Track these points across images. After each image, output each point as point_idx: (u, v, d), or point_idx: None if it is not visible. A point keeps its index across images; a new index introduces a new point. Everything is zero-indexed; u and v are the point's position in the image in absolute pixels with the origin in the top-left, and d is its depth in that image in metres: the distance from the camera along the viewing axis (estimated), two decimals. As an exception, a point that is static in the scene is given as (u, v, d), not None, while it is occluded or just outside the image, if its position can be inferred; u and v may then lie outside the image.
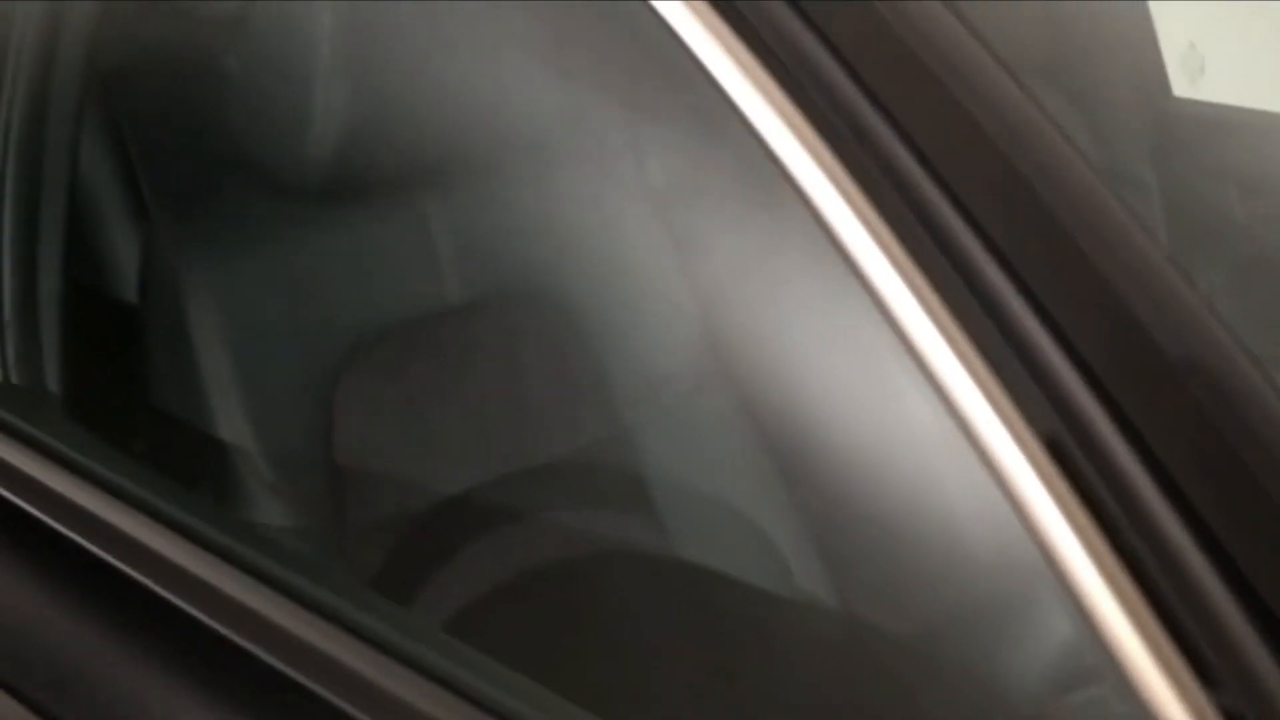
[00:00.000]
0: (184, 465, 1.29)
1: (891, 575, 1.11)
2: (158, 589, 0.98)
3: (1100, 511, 0.70)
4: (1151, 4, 2.04)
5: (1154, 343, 0.72)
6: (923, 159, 0.76)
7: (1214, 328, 0.73)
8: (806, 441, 1.12)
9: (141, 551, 1.00)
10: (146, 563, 1.00)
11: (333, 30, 1.26)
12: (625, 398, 1.34)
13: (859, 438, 1.05)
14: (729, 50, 0.82)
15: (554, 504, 1.33)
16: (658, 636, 1.17)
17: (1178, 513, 0.69)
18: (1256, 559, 0.68)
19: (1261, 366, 0.72)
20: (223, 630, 0.94)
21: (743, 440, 1.27)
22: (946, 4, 0.82)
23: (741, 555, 1.27)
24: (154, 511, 1.03)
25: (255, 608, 0.95)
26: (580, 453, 1.36)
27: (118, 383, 1.33)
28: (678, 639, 1.16)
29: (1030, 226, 0.75)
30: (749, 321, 1.19)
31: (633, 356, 1.32)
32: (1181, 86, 2.12)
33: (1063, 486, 0.71)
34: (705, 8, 0.83)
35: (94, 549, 1.02)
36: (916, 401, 0.77)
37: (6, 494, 1.09)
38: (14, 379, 1.22)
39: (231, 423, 1.28)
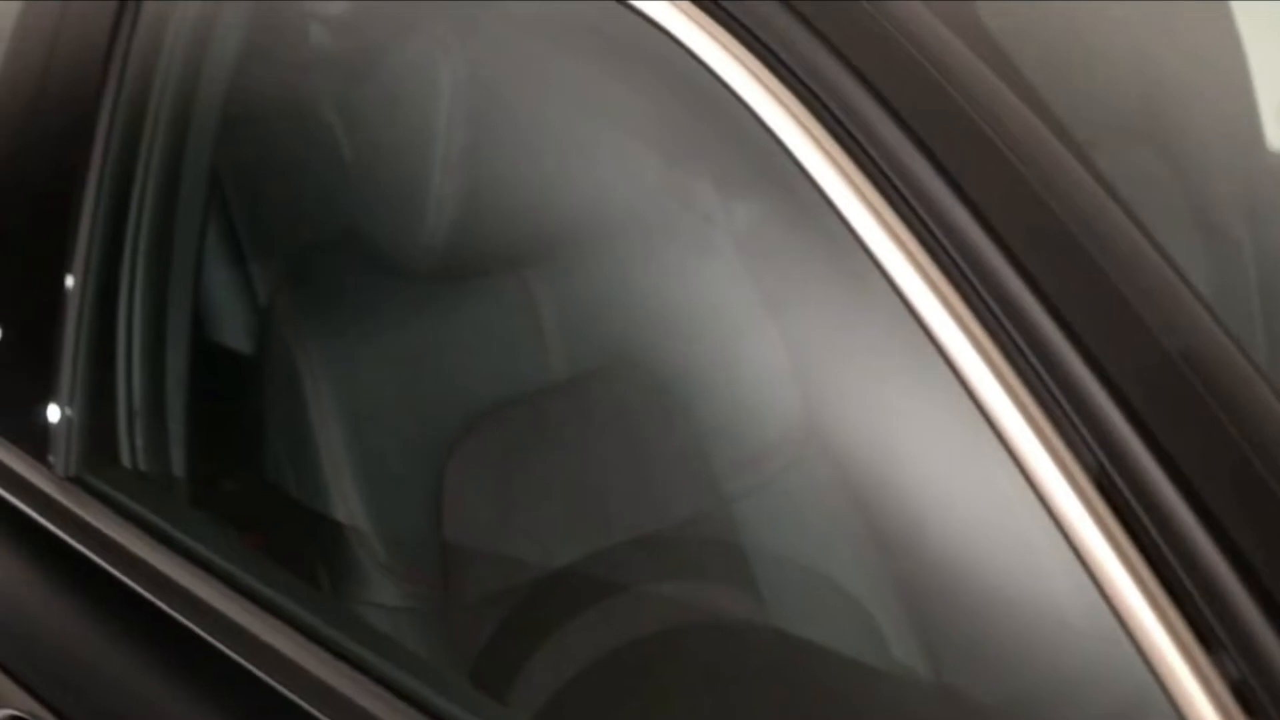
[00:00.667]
0: (301, 547, 1.34)
1: (985, 646, 1.13)
2: (275, 684, 1.03)
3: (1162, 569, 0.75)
4: (1249, 56, 2.05)
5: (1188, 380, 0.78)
6: (993, 234, 0.82)
7: (1243, 364, 0.79)
8: (901, 513, 1.15)
9: (259, 647, 1.05)
10: (262, 657, 1.05)
11: (448, 118, 1.32)
12: (725, 470, 1.38)
13: (951, 509, 1.08)
14: (814, 139, 0.88)
15: (655, 576, 1.37)
16: (756, 707, 1.20)
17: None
18: None
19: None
20: None
21: (840, 511, 1.30)
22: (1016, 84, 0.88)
23: (838, 626, 1.30)
24: (272, 606, 1.09)
25: (366, 706, 1.01)
26: (681, 525, 1.40)
27: (240, 467, 1.38)
28: (776, 710, 1.19)
29: (1082, 285, 0.82)
30: (845, 394, 1.22)
31: (732, 429, 1.36)
32: (1278, 141, 2.12)
33: (1122, 537, 0.77)
34: (792, 99, 0.90)
35: (215, 641, 1.07)
36: (1004, 473, 0.83)
37: (133, 585, 1.15)
38: (141, 466, 1.28)
39: (346, 503, 1.33)
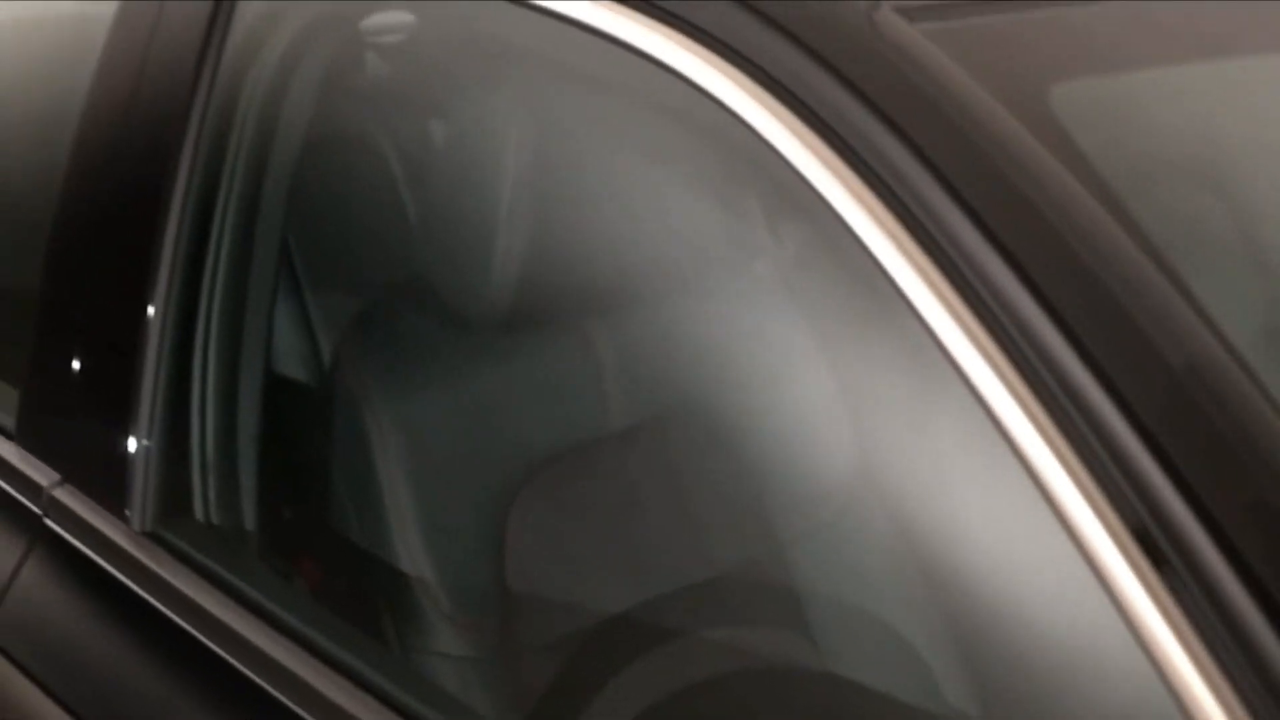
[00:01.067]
0: (366, 597, 1.38)
1: (1036, 691, 1.16)
2: None
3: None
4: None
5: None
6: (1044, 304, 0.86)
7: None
8: (950, 558, 1.18)
9: (327, 705, 1.10)
10: (331, 714, 1.09)
11: (514, 176, 1.36)
12: (778, 514, 1.41)
13: (998, 556, 1.10)
14: (856, 196, 0.92)
15: (710, 621, 1.40)
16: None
17: None
18: None
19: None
20: None
21: (891, 556, 1.33)
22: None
23: (890, 671, 1.32)
24: (339, 663, 1.13)
25: None
26: (735, 569, 1.43)
27: (308, 518, 1.43)
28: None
29: (1126, 344, 0.85)
30: (895, 442, 1.25)
31: (785, 474, 1.39)
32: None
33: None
34: (842, 166, 0.94)
35: (282, 698, 1.12)
36: (1047, 523, 0.87)
37: (207, 642, 1.19)
38: (214, 520, 1.33)
39: (410, 552, 1.38)
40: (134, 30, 1.39)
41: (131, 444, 1.32)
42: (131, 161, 1.37)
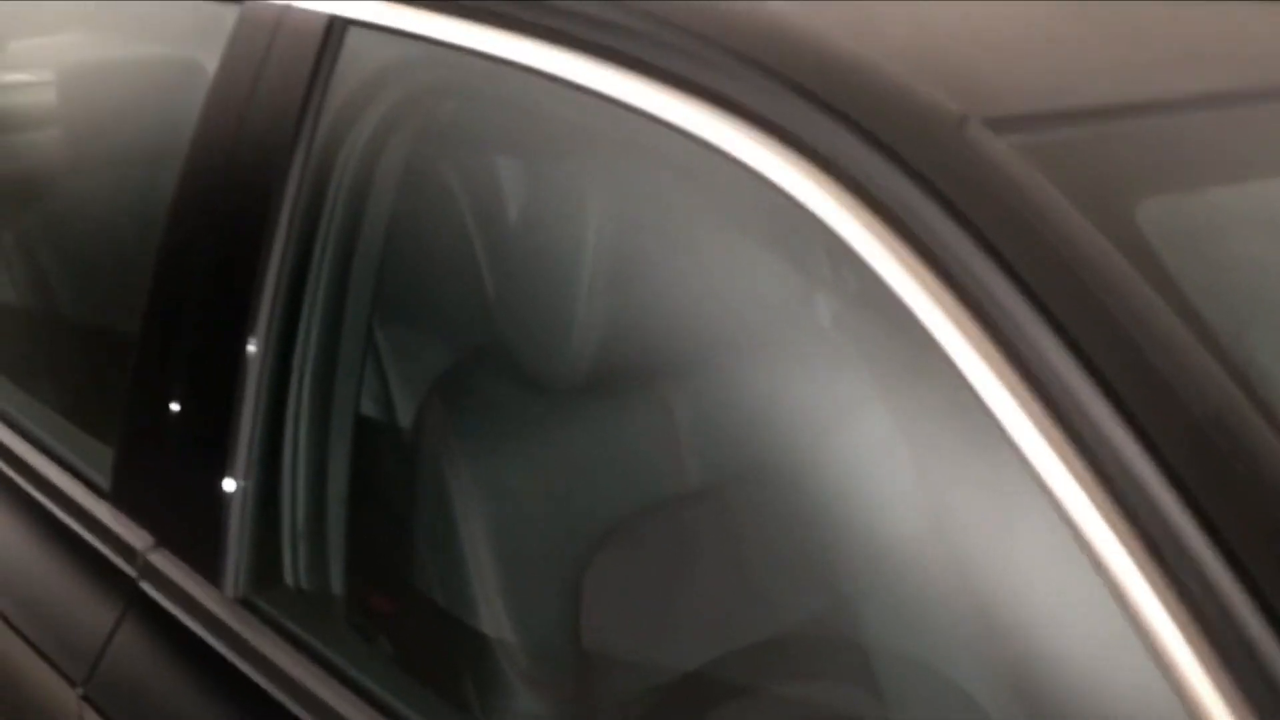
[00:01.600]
0: (447, 658, 1.43)
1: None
2: None
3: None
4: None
5: None
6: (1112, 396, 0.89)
7: None
8: (1016, 617, 1.21)
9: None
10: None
11: (595, 247, 1.40)
12: (848, 572, 1.45)
13: (1061, 618, 1.13)
14: (927, 289, 0.96)
15: (782, 676, 1.44)
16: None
17: None
18: None
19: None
20: None
21: (959, 612, 1.36)
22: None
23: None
24: None
25: None
26: (806, 625, 1.47)
27: (393, 582, 1.47)
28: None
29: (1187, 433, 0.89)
30: (962, 503, 1.28)
31: (856, 532, 1.42)
32: None
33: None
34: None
35: None
36: (1112, 594, 0.90)
37: (292, 707, 1.24)
38: (303, 586, 1.37)
39: (491, 614, 1.42)
40: (236, 84, 1.43)
41: (225, 509, 1.36)
42: (230, 220, 1.41)
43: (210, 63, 1.57)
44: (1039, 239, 0.95)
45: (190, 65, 1.86)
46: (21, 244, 1.97)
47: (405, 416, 1.54)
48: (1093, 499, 0.90)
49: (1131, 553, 0.88)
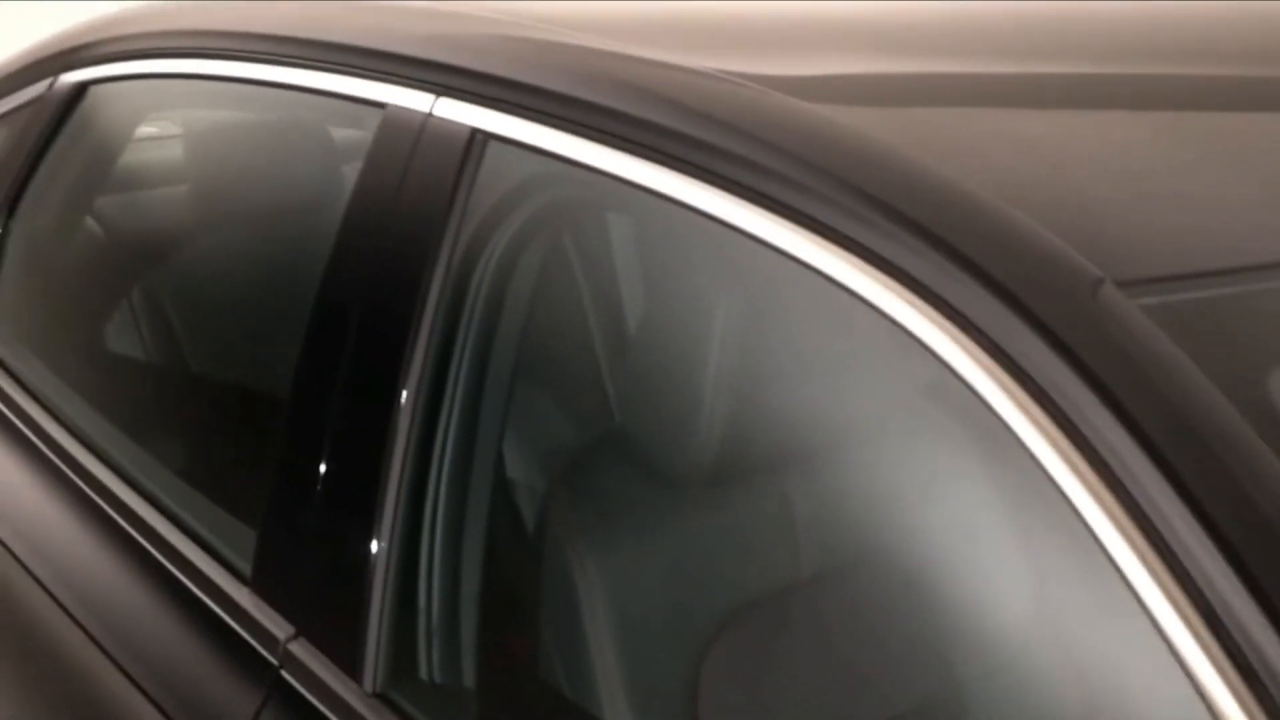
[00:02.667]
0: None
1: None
2: None
3: None
4: None
5: None
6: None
7: None
8: (1119, 708, 1.24)
9: None
10: None
11: (721, 346, 1.45)
12: (956, 657, 1.48)
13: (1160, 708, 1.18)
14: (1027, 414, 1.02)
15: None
16: None
17: None
18: None
19: None
20: None
21: (1063, 698, 1.40)
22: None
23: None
24: None
25: None
26: (915, 710, 1.51)
27: (521, 673, 1.52)
28: None
29: None
30: (1065, 591, 1.32)
31: (966, 617, 1.46)
32: None
33: None
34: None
35: None
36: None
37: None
38: (437, 679, 1.42)
39: (615, 705, 1.47)
40: (382, 184, 1.49)
41: (364, 602, 1.41)
42: (374, 319, 1.47)
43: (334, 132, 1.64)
44: (1163, 400, 0.99)
45: (318, 132, 1.92)
46: (152, 305, 2.03)
47: (533, 510, 1.58)
48: (1198, 640, 0.94)
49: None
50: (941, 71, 1.55)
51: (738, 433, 1.50)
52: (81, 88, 2.05)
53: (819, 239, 1.16)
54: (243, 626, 1.51)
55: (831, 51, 1.58)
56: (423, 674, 1.42)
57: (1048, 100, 1.49)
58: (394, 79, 1.53)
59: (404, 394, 1.42)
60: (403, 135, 1.49)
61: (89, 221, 2.16)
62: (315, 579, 1.48)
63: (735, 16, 1.70)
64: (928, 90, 1.50)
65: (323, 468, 1.48)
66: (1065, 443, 1.00)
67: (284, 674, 1.45)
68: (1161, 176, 1.28)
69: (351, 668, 1.41)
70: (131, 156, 2.14)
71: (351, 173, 1.60)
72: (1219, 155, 1.35)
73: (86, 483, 1.83)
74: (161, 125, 2.10)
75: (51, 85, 2.09)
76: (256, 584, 1.53)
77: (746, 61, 1.47)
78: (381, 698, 1.39)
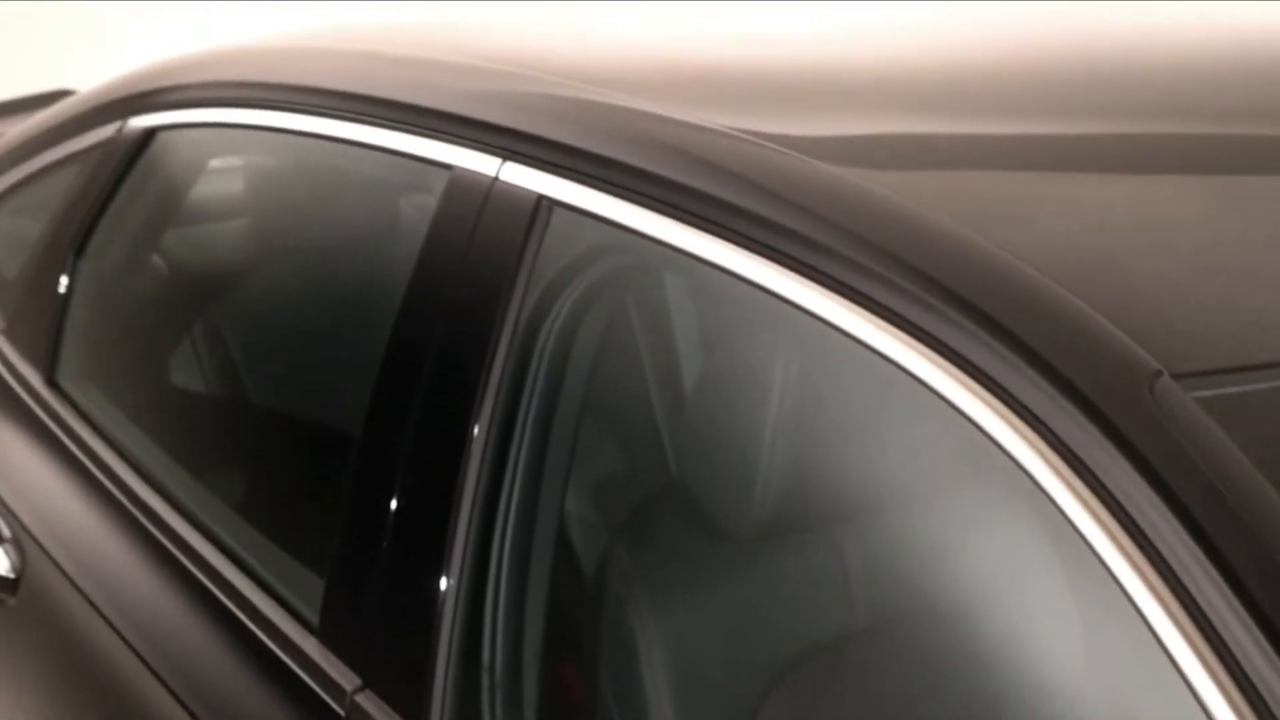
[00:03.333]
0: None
1: None
2: None
3: None
4: None
5: None
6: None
7: None
8: None
9: None
10: None
11: (779, 407, 1.48)
12: (1011, 710, 1.51)
13: None
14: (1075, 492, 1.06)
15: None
16: None
17: None
18: None
19: None
20: None
21: None
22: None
23: None
24: None
25: None
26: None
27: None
28: None
29: None
30: (1114, 648, 1.34)
31: (1018, 671, 1.48)
32: None
33: None
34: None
35: None
36: None
37: None
38: (500, 735, 1.46)
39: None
40: (449, 245, 1.54)
41: (430, 656, 1.44)
42: (440, 379, 1.51)
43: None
44: (1216, 495, 1.01)
45: (382, 187, 1.96)
46: (217, 347, 2.07)
47: (594, 562, 1.62)
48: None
49: None
50: (984, 133, 1.58)
51: (792, 490, 1.53)
52: (150, 133, 2.09)
53: (876, 319, 1.20)
54: (310, 676, 1.55)
55: (870, 110, 1.61)
56: (486, 729, 1.45)
57: (1093, 161, 1.51)
58: (462, 141, 1.57)
59: (472, 448, 1.45)
60: (469, 198, 1.53)
61: (155, 261, 2.20)
62: (382, 631, 1.52)
63: (769, 69, 1.74)
64: (971, 152, 1.52)
65: (390, 521, 1.51)
66: (1122, 534, 1.03)
67: (350, 726, 1.49)
68: (1215, 251, 1.30)
69: None
70: (197, 200, 2.18)
71: (415, 229, 1.63)
72: (1275, 226, 1.37)
73: (153, 523, 1.87)
74: (227, 172, 2.14)
75: (121, 129, 2.14)
76: (324, 634, 1.57)
77: (792, 121, 1.52)
78: (445, 756, 1.43)
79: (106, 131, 2.18)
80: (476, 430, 1.45)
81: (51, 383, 2.14)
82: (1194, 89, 1.71)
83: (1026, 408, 1.10)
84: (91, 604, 1.87)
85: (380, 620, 1.52)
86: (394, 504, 1.52)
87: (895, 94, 1.66)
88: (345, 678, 1.52)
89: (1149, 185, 1.47)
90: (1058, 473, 1.08)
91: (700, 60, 1.82)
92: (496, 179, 1.51)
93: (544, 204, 1.46)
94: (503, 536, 1.47)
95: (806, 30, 2.05)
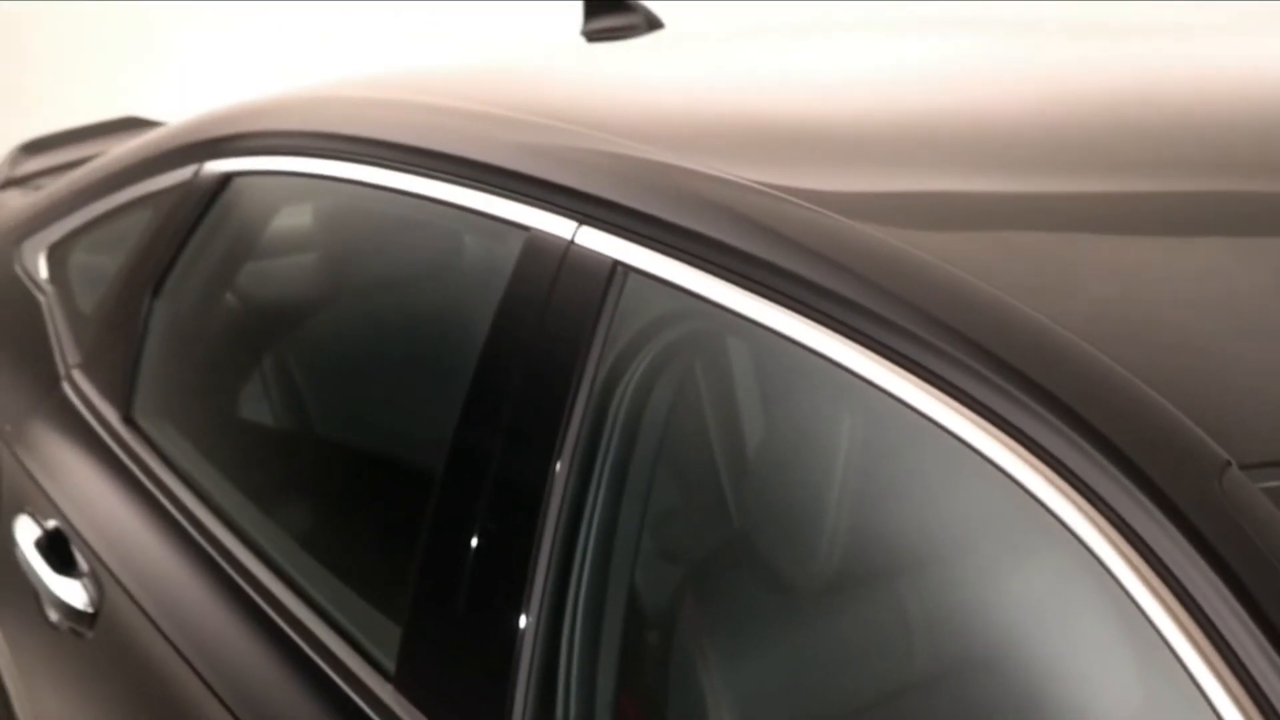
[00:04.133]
0: None
1: None
2: None
3: None
4: None
5: None
6: None
7: None
8: None
9: None
10: None
11: (845, 467, 1.51)
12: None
13: None
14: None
15: None
16: None
17: None
18: None
19: None
20: None
21: None
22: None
23: None
24: None
25: None
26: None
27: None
28: None
29: None
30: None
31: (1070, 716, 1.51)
32: None
33: None
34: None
35: None
36: None
37: None
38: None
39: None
40: (525, 305, 1.58)
41: (507, 706, 1.48)
42: (516, 439, 1.55)
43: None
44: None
45: (458, 243, 2.00)
46: (290, 391, 2.12)
47: (664, 616, 1.65)
48: None
49: None
50: (1038, 191, 1.59)
51: (856, 545, 1.56)
52: (226, 178, 2.14)
53: (946, 397, 1.23)
54: None
55: (918, 165, 1.64)
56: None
57: (1147, 220, 1.53)
58: (539, 204, 1.61)
59: (550, 499, 1.49)
60: (546, 260, 1.57)
61: (231, 303, 2.25)
62: (459, 681, 1.56)
63: (817, 116, 1.78)
64: (1020, 211, 1.55)
65: (468, 570, 1.56)
66: (1191, 624, 1.06)
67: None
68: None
69: None
70: (272, 246, 2.23)
71: (490, 284, 1.67)
72: None
73: (228, 562, 1.92)
74: (300, 219, 2.19)
75: (197, 173, 2.19)
76: (400, 681, 1.61)
77: (844, 176, 1.57)
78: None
79: (183, 174, 2.23)
80: (555, 483, 1.49)
81: (128, 419, 2.19)
82: (1256, 141, 1.70)
83: (1099, 496, 1.13)
84: (168, 640, 1.92)
85: (457, 670, 1.56)
86: (472, 553, 1.56)
87: (940, 146, 1.69)
88: None
89: (1209, 249, 1.48)
90: (1127, 559, 1.11)
91: (746, 107, 1.86)
92: (573, 243, 1.55)
93: (619, 269, 1.50)
94: (578, 588, 1.51)
95: (854, 68, 2.08)
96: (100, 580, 2.05)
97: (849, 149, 1.69)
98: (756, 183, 1.50)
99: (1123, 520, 1.11)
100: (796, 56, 2.22)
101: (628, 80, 2.11)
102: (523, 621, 1.50)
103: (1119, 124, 1.76)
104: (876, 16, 2.78)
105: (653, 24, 2.68)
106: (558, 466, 1.50)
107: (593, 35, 2.65)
